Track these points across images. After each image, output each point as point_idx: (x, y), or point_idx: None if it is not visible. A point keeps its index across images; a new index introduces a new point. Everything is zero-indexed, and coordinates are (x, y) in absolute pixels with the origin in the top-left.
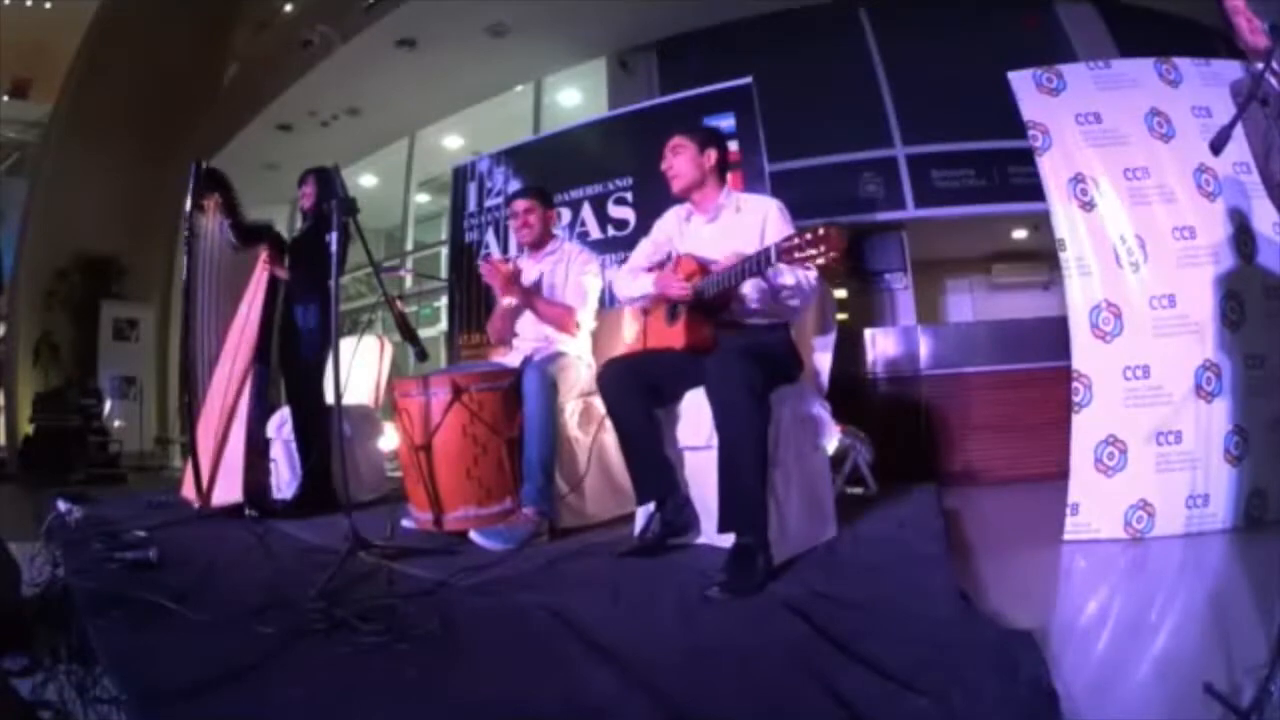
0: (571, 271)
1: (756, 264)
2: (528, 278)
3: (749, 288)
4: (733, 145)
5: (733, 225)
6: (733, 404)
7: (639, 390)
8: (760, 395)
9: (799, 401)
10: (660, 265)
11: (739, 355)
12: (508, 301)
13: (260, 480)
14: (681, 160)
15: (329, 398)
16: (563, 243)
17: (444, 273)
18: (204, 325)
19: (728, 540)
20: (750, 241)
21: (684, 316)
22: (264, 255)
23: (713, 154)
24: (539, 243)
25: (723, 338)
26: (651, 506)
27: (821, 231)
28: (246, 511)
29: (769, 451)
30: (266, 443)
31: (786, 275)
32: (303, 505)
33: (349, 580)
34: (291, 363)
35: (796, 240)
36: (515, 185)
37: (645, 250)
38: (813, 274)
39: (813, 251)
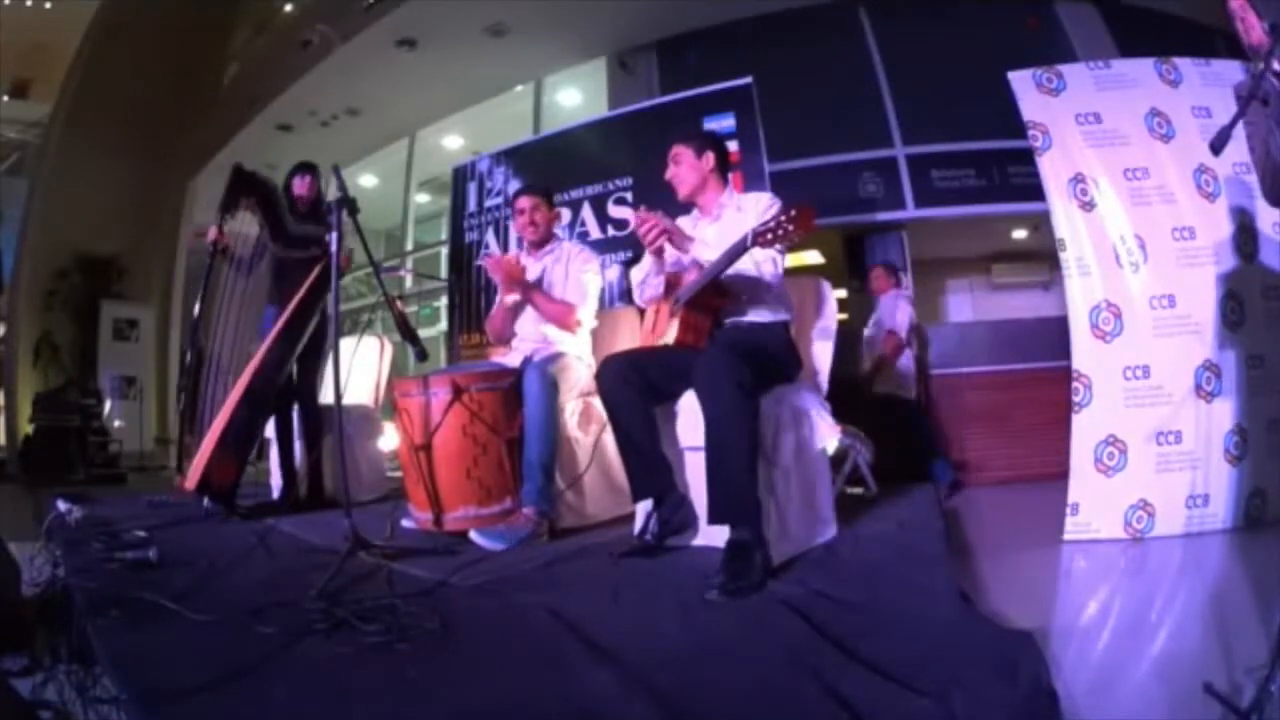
0: (571, 270)
1: (737, 252)
2: (528, 275)
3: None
4: (733, 145)
5: (734, 223)
6: (718, 399)
7: (637, 387)
8: (748, 390)
9: (799, 402)
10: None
11: (726, 351)
12: (511, 299)
13: (221, 473)
14: (682, 168)
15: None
16: (562, 242)
17: (444, 273)
18: (220, 327)
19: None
20: (748, 212)
21: (682, 309)
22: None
23: (710, 157)
24: (541, 241)
25: (717, 333)
26: (650, 505)
27: (794, 212)
28: (205, 502)
29: (764, 449)
30: (247, 438)
31: (759, 264)
32: (298, 504)
33: (349, 580)
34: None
35: (769, 225)
36: (515, 185)
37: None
38: (777, 260)
39: (781, 229)
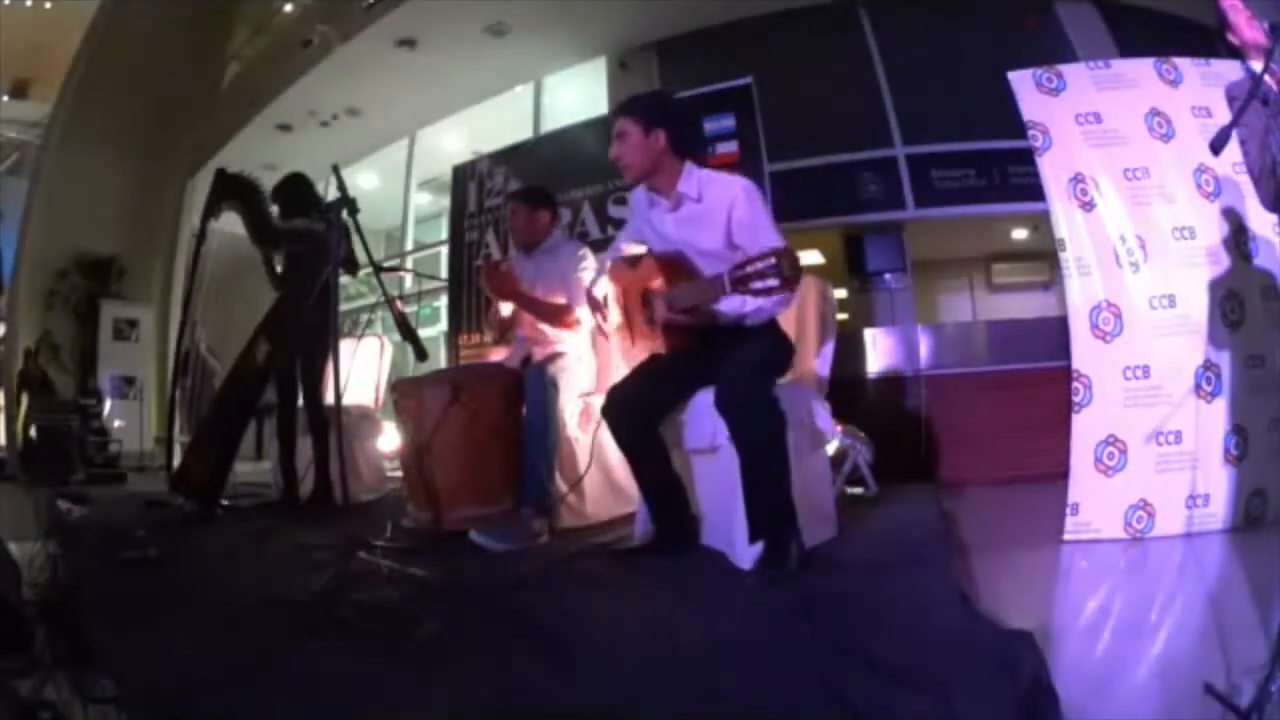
0: (566, 268)
1: (708, 295)
2: (522, 277)
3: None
4: (732, 145)
5: (696, 214)
6: (747, 423)
7: (648, 418)
8: (772, 403)
9: (798, 402)
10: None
11: (745, 371)
12: (506, 310)
13: (196, 469)
14: (627, 148)
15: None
16: (557, 240)
17: (444, 273)
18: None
19: (727, 542)
20: (715, 231)
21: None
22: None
23: (661, 135)
24: (534, 243)
25: (717, 341)
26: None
27: (773, 261)
28: (181, 501)
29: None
30: (219, 438)
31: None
32: (297, 504)
33: (349, 580)
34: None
35: (749, 269)
36: (515, 185)
37: (626, 239)
38: (767, 307)
39: (767, 283)
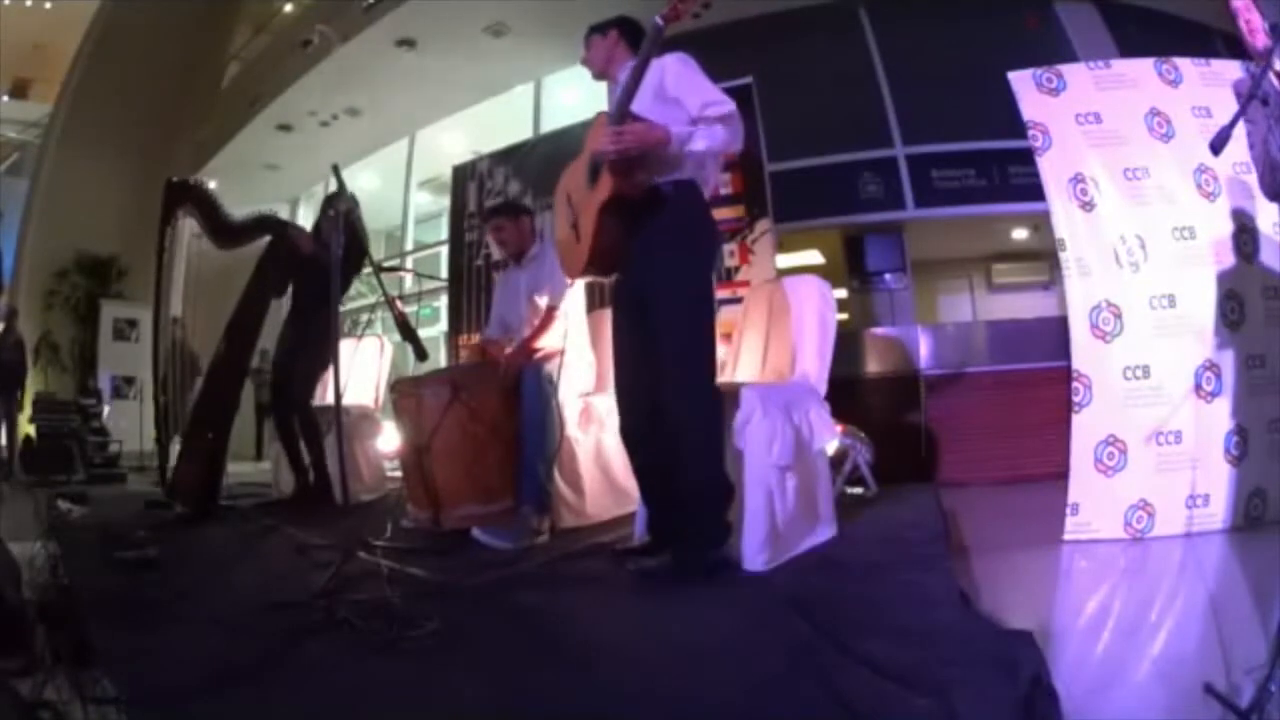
0: (553, 268)
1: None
2: (516, 286)
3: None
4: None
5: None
6: (700, 447)
7: (655, 424)
8: (712, 408)
9: (797, 402)
10: None
11: (684, 385)
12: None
13: (187, 475)
14: (591, 51)
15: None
16: (541, 246)
17: (444, 273)
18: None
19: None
20: (644, 97)
21: (604, 171)
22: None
23: (613, 32)
24: (523, 252)
25: (641, 260)
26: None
27: None
28: (176, 508)
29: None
30: (209, 438)
31: (699, 140)
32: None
33: (349, 580)
34: (292, 368)
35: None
36: (515, 185)
37: None
38: (719, 131)
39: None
